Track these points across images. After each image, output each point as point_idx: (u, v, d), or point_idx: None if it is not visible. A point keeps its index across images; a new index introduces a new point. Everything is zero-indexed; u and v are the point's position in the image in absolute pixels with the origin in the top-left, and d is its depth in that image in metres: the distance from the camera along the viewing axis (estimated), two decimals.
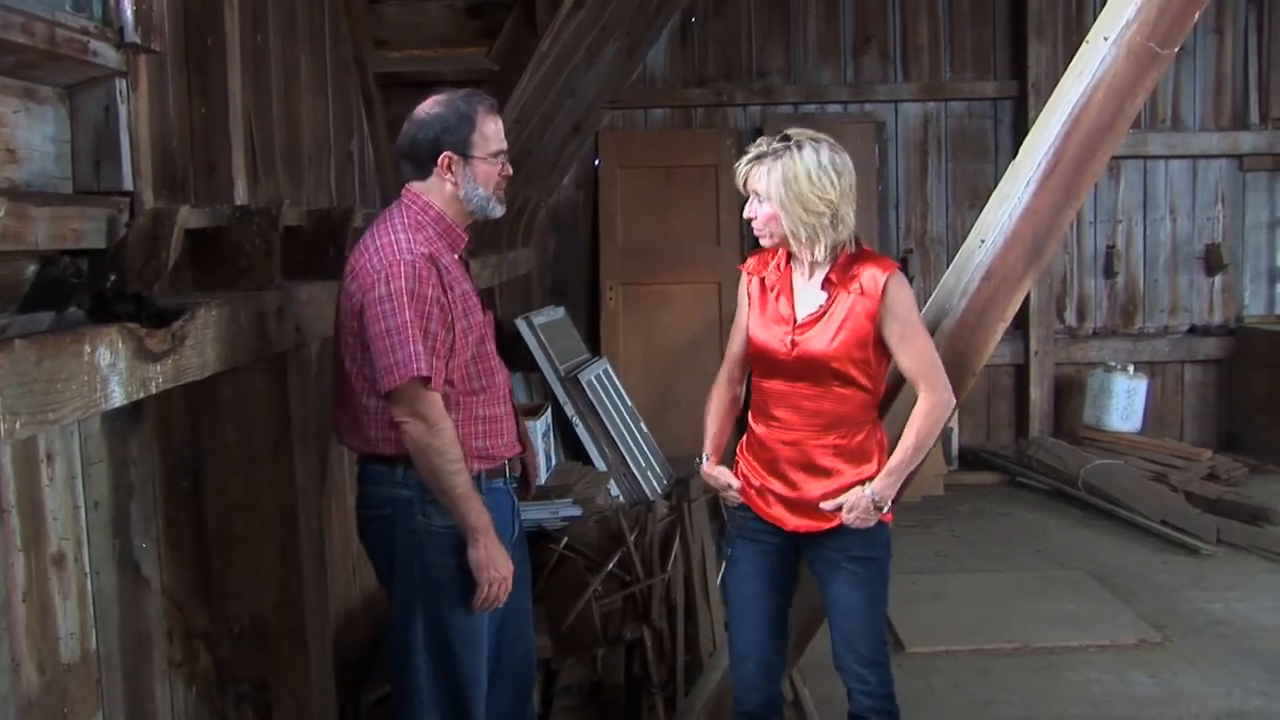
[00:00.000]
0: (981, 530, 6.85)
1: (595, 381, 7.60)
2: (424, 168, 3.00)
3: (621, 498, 7.32)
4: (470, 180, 2.99)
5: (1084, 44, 3.24)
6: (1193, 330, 8.65)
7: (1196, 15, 3.13)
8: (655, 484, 7.57)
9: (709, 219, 8.38)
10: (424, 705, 3.04)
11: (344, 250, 3.72)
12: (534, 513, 6.21)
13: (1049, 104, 3.25)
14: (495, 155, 3.01)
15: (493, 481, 3.07)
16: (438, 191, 3.00)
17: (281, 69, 3.93)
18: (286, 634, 3.25)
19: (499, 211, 3.07)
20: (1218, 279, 8.64)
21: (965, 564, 6.27)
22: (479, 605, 2.97)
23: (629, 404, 7.89)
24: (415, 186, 3.02)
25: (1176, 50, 3.15)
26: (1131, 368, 8.28)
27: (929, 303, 3.33)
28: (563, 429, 7.09)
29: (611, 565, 5.59)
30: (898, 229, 8.52)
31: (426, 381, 2.83)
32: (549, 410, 6.80)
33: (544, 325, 7.32)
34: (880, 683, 3.21)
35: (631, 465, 7.40)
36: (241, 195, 3.31)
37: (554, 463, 6.69)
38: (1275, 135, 8.52)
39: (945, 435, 8.05)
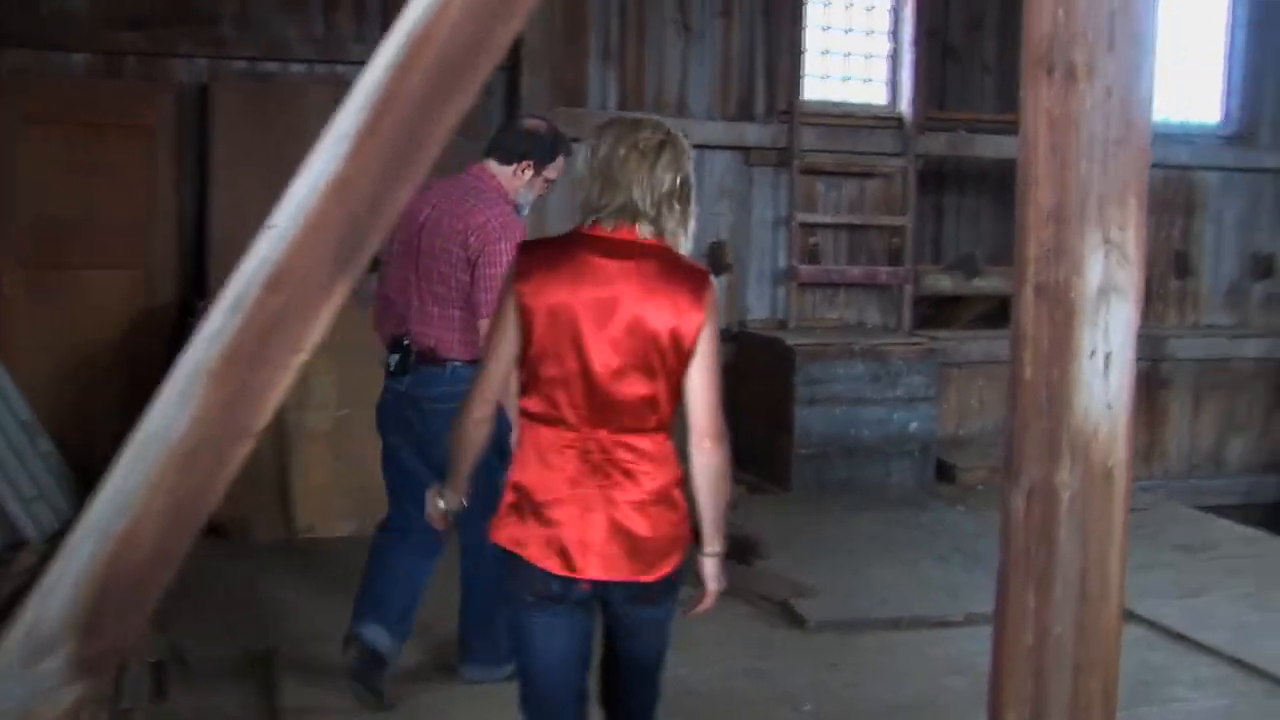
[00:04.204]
0: (438, 573, 5.78)
1: None
2: (508, 161, 4.19)
3: None
4: (529, 185, 4.21)
5: None
6: None
7: None
8: (51, 516, 6.06)
9: (141, 191, 6.90)
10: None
11: None
12: None
13: (390, 34, 2.15)
14: (549, 180, 4.28)
15: None
16: (506, 177, 4.18)
17: None
18: None
19: (526, 212, 4.31)
20: (723, 279, 8.02)
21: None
22: None
23: (23, 417, 6.33)
24: (492, 167, 4.21)
25: None
26: None
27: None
28: None
29: None
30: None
31: None
32: None
33: None
34: None
35: (8, 498, 5.86)
36: None
37: None
38: (780, 129, 7.99)
39: None
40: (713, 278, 3.04)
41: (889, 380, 7.50)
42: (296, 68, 7.21)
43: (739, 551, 5.84)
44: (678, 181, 2.93)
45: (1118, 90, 2.47)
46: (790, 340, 7.53)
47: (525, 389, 2.95)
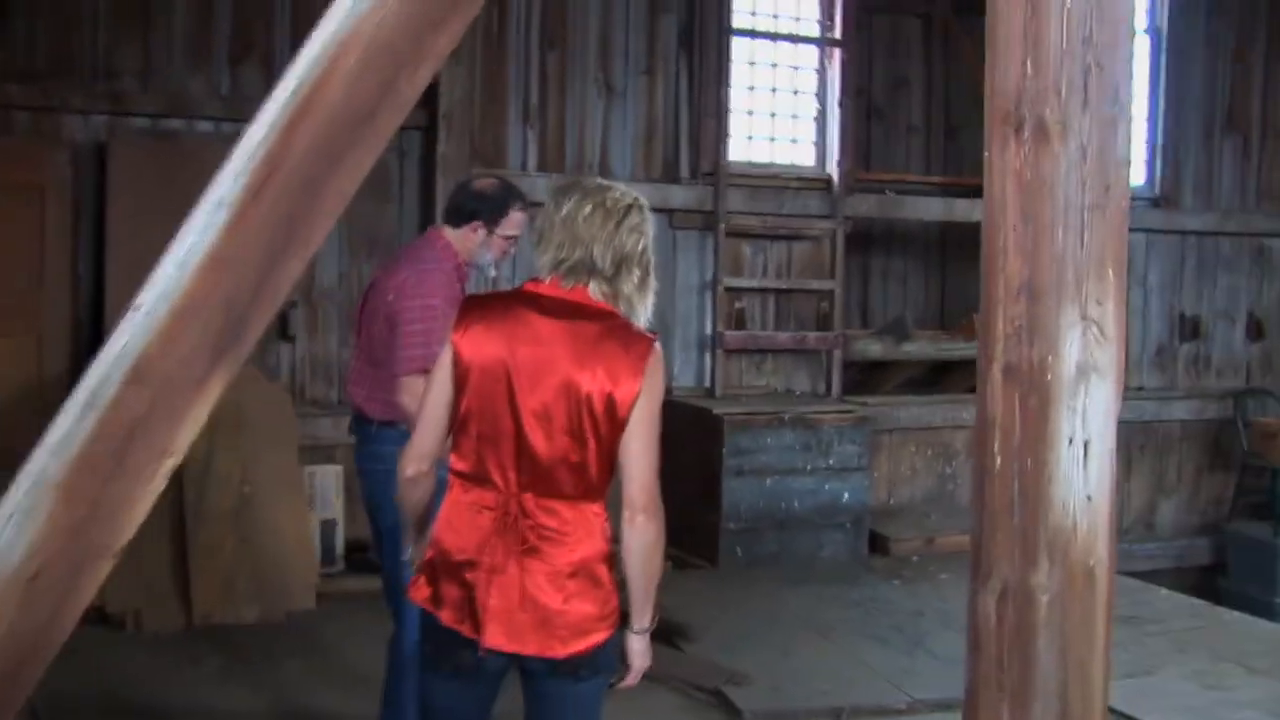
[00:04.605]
0: (351, 659, 5.39)
1: None
2: (458, 223, 4.12)
3: None
4: (484, 246, 4.12)
5: None
6: None
7: None
8: None
9: (31, 254, 6.51)
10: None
11: None
12: None
13: (277, 87, 1.87)
14: (508, 237, 4.15)
15: None
16: (459, 239, 4.12)
17: None
18: None
19: (493, 272, 4.31)
20: None
21: (314, 711, 4.85)
22: None
23: None
24: (446, 232, 4.15)
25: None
26: None
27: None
28: None
29: None
30: None
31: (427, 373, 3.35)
32: None
33: None
34: None
35: None
36: None
37: None
38: (705, 191, 7.76)
39: (329, 527, 6.60)
40: (657, 346, 2.88)
41: (820, 450, 7.26)
42: (202, 125, 6.86)
43: (666, 634, 5.55)
44: (639, 247, 2.90)
45: (1094, 151, 2.25)
46: (717, 409, 7.26)
47: (456, 446, 2.87)
